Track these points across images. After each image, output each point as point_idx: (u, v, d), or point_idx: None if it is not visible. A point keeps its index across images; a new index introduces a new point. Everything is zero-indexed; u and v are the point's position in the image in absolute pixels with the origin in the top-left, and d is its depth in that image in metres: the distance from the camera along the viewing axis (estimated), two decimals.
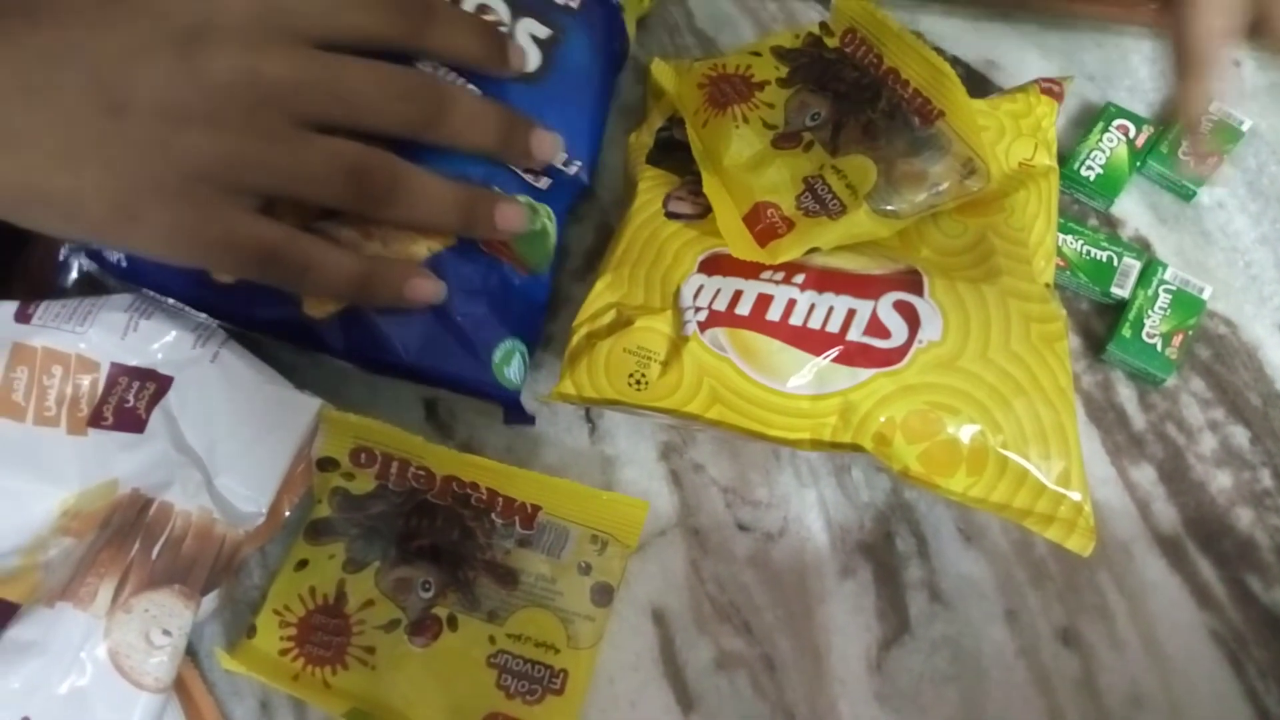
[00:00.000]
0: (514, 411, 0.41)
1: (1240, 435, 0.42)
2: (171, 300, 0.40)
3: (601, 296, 0.40)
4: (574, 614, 0.38)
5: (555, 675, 0.37)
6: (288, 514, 0.40)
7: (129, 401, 0.39)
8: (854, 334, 0.37)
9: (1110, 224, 0.47)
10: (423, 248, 0.39)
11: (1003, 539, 0.41)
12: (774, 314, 0.38)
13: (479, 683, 0.37)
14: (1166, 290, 0.44)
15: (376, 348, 0.39)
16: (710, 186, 0.40)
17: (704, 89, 0.44)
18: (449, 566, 0.39)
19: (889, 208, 0.39)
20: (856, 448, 0.37)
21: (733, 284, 0.38)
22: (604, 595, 0.39)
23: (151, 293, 0.40)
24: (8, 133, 0.32)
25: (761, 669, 0.39)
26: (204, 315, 0.41)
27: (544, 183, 0.42)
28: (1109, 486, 0.41)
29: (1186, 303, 0.43)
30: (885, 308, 0.38)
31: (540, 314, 0.43)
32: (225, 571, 0.38)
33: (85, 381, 0.39)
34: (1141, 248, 0.46)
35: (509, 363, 0.40)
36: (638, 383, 0.38)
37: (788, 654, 0.39)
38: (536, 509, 0.39)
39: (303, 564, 0.39)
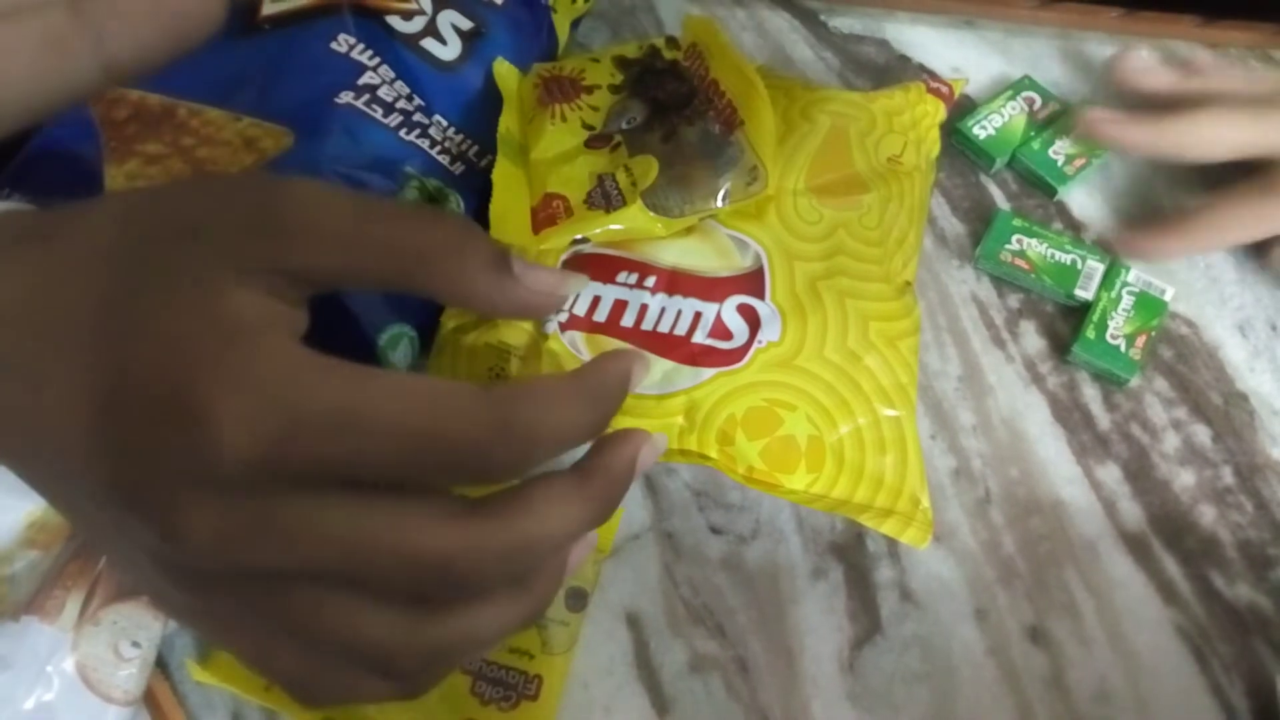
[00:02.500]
0: None
1: (1202, 434, 0.43)
2: None
3: None
4: (548, 619, 0.38)
5: (529, 681, 0.37)
6: None
7: None
8: (699, 336, 0.39)
9: (1074, 227, 0.48)
10: None
11: (971, 539, 0.41)
12: (628, 319, 0.39)
13: (452, 690, 0.37)
14: (1130, 292, 0.44)
15: None
16: (500, 172, 0.41)
17: (537, 88, 0.45)
18: None
19: (664, 205, 0.40)
20: (704, 458, 0.38)
21: (592, 289, 0.40)
22: (578, 600, 0.39)
23: None
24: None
25: (735, 671, 0.39)
26: None
27: (457, 168, 0.43)
28: (1075, 486, 0.42)
29: (1149, 304, 0.44)
30: (729, 310, 0.39)
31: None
32: None
33: None
34: (1105, 250, 0.47)
35: (395, 347, 0.40)
36: (497, 376, 0.39)
37: (761, 655, 0.39)
38: None
39: None
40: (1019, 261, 0.45)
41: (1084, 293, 0.45)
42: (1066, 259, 0.45)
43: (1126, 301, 0.44)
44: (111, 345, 0.23)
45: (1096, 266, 0.45)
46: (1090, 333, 0.43)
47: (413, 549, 0.22)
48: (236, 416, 0.21)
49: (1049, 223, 0.47)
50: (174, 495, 0.22)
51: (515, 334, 0.40)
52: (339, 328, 0.39)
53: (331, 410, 0.22)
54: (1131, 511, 0.42)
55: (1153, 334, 0.43)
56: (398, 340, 0.40)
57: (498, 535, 0.24)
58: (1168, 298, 0.44)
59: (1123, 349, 0.43)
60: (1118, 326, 0.43)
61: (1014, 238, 0.46)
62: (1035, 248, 0.45)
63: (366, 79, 0.42)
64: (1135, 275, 0.45)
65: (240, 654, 0.25)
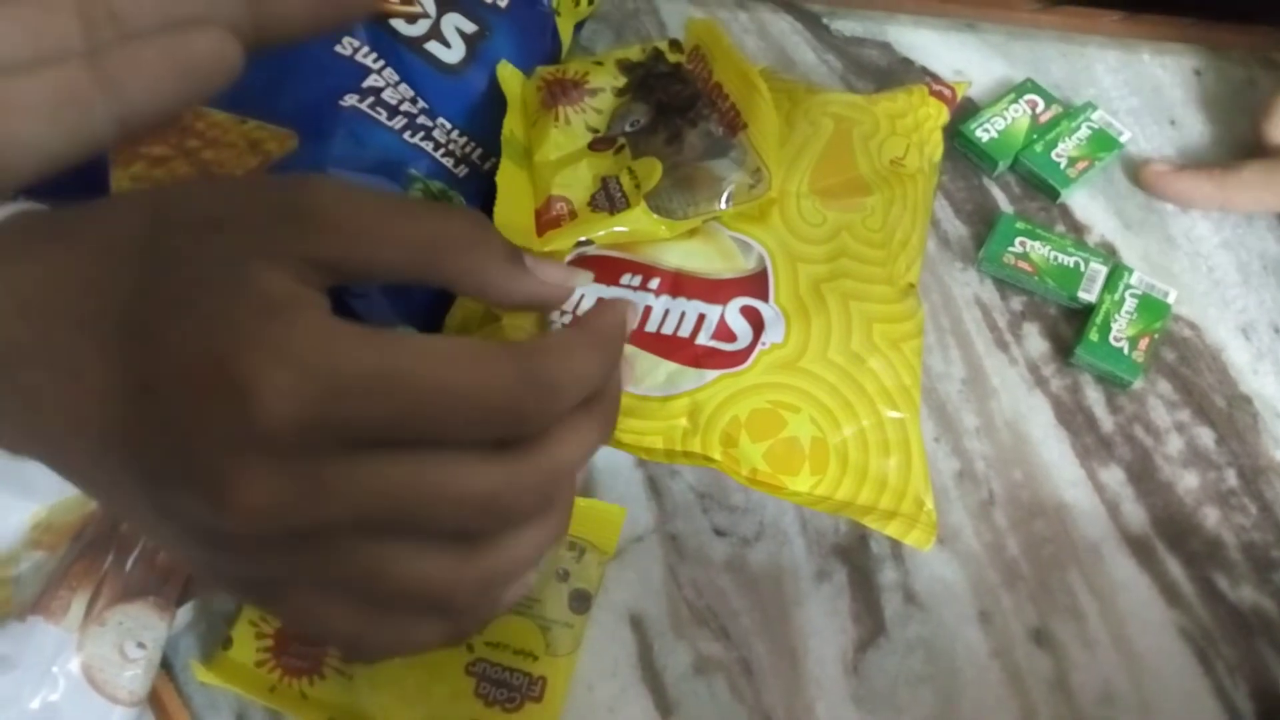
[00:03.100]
0: None
1: (1206, 436, 0.43)
2: None
3: None
4: (552, 621, 0.38)
5: (534, 683, 0.37)
6: None
7: None
8: (703, 338, 0.39)
9: (1077, 230, 0.48)
10: None
11: (975, 541, 0.41)
12: (632, 321, 0.39)
13: (457, 691, 0.37)
14: (1133, 295, 0.44)
15: None
16: (504, 174, 0.41)
17: (541, 91, 0.45)
18: None
19: (668, 207, 0.40)
20: (708, 460, 0.38)
21: (596, 290, 0.40)
22: (582, 602, 0.39)
23: None
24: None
25: (739, 673, 0.39)
26: None
27: (461, 170, 0.43)
28: (1078, 488, 0.42)
29: (1152, 307, 0.44)
30: (733, 312, 0.39)
31: (439, 300, 0.43)
32: None
33: None
34: (1107, 253, 0.47)
35: None
36: None
37: (765, 657, 0.39)
38: None
39: None
40: (1022, 264, 0.45)
41: (1087, 295, 0.45)
42: (1069, 261, 0.45)
43: (1129, 304, 0.44)
44: (147, 328, 0.23)
45: (1099, 269, 0.45)
46: (1093, 335, 0.43)
47: (460, 491, 0.24)
48: (279, 385, 0.22)
49: (1052, 225, 0.48)
50: (223, 466, 0.22)
51: (519, 336, 0.40)
52: None
53: (369, 375, 0.22)
54: (1135, 514, 0.42)
55: (1155, 336, 0.44)
56: None
57: (533, 468, 0.25)
58: (1170, 300, 0.44)
59: (1125, 351, 0.43)
60: (1120, 329, 0.44)
61: (1017, 240, 0.46)
62: (1038, 250, 0.45)
63: (371, 81, 0.42)
64: (1138, 278, 0.45)
65: (293, 618, 0.26)
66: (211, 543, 0.24)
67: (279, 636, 0.38)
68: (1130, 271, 0.45)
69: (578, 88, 0.45)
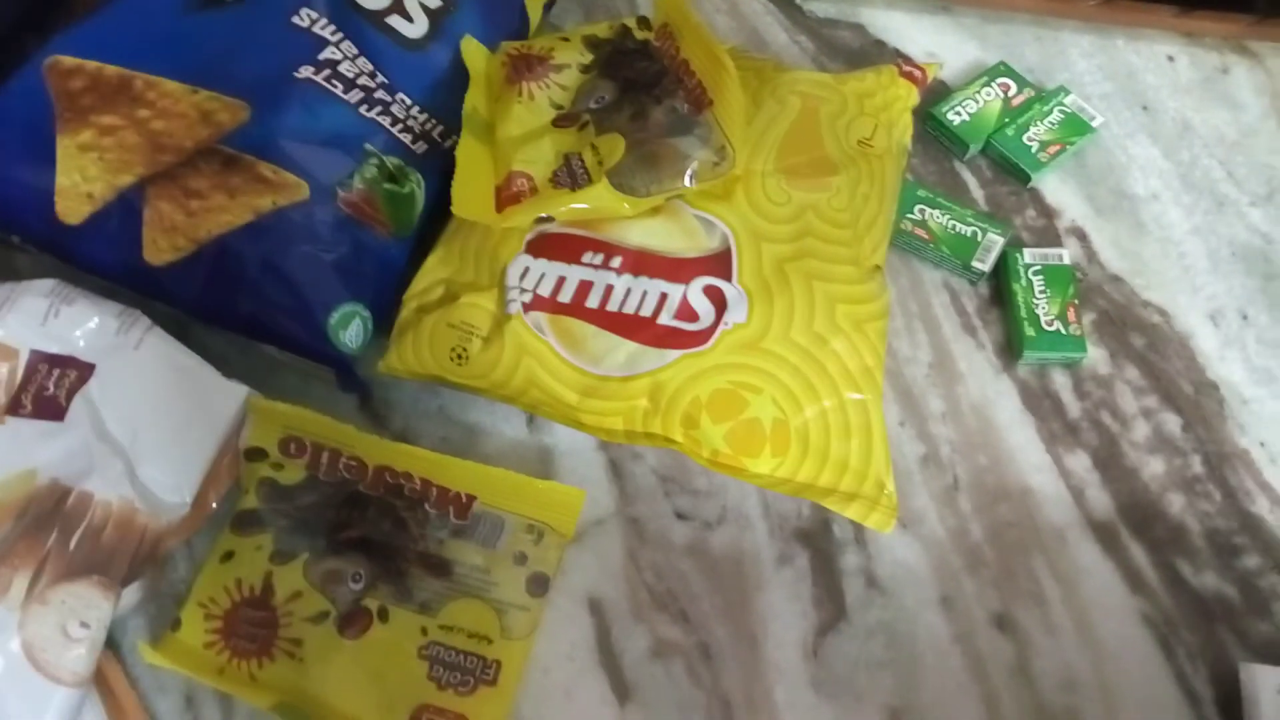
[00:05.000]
0: (346, 377, 0.40)
1: (1172, 422, 0.43)
2: (18, 239, 0.40)
3: (432, 271, 0.41)
4: (509, 604, 0.38)
5: (488, 666, 0.37)
6: (215, 505, 0.39)
7: (49, 389, 0.38)
8: (665, 318, 0.38)
9: (1047, 214, 0.47)
10: (268, 201, 0.38)
11: (939, 526, 0.41)
12: (593, 300, 0.39)
13: (410, 674, 0.36)
14: (1035, 273, 0.44)
15: (210, 299, 0.38)
16: (464, 149, 0.41)
17: (505, 66, 0.44)
18: (381, 558, 0.38)
19: (630, 184, 0.39)
20: (669, 441, 0.38)
21: (557, 269, 0.39)
22: (540, 585, 0.38)
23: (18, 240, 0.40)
24: None
25: (698, 657, 0.38)
26: (123, 303, 0.40)
27: (419, 147, 0.42)
28: (1043, 474, 0.42)
29: (1057, 275, 0.44)
30: (695, 292, 0.39)
31: (394, 278, 0.42)
32: (148, 562, 0.37)
33: (3, 369, 0.38)
34: (1006, 223, 0.46)
35: (346, 326, 0.39)
36: (459, 357, 0.39)
37: (724, 642, 0.39)
38: (471, 499, 0.39)
39: (229, 555, 0.38)
40: (919, 231, 0.45)
41: (980, 265, 0.44)
42: (967, 231, 0.45)
43: (1038, 283, 0.44)
44: None
45: (996, 239, 0.45)
46: (1030, 331, 0.43)
47: None
48: None
49: (1022, 209, 0.47)
50: None
51: (477, 314, 0.39)
52: (284, 305, 0.38)
53: None
54: (1100, 500, 0.41)
55: (1077, 301, 0.43)
56: (349, 319, 0.39)
57: None
58: (1066, 260, 0.44)
59: (1063, 331, 0.43)
60: (1045, 310, 0.43)
61: (917, 208, 0.45)
62: (937, 219, 0.45)
63: (328, 54, 0.41)
64: (1030, 254, 0.45)
65: None
66: None
67: (228, 618, 0.37)
68: (1021, 253, 0.45)
69: (543, 63, 0.44)
